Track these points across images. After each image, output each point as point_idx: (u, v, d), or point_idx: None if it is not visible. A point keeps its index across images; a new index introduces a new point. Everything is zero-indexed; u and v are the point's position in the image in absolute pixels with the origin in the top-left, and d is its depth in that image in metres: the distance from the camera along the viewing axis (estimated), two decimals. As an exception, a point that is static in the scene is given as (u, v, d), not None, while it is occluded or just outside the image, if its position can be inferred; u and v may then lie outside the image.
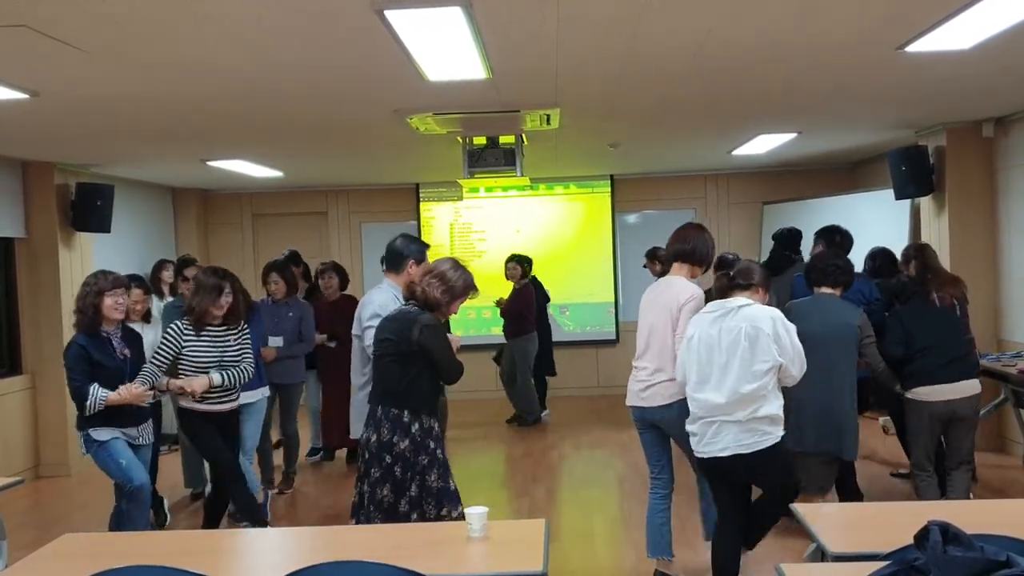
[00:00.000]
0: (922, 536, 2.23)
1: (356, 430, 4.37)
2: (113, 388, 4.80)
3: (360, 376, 4.51)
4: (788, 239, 7.04)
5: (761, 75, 5.13)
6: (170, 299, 7.65)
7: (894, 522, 3.04)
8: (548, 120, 6.28)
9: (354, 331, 4.58)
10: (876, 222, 8.30)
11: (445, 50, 4.21)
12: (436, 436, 3.99)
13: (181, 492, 6.80)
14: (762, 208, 10.43)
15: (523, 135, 6.89)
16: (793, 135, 7.74)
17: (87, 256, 8.19)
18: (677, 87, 5.39)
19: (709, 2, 3.68)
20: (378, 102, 5.54)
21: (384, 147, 7.59)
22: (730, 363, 3.97)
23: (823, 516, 3.30)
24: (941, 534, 2.19)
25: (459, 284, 4.04)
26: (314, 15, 3.62)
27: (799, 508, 3.27)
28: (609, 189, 10.82)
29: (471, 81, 4.90)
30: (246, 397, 5.68)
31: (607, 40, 4.23)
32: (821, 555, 2.94)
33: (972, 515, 3.05)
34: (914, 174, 7.46)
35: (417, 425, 3.91)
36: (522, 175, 7.22)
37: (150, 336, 5.79)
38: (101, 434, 4.91)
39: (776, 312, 4.11)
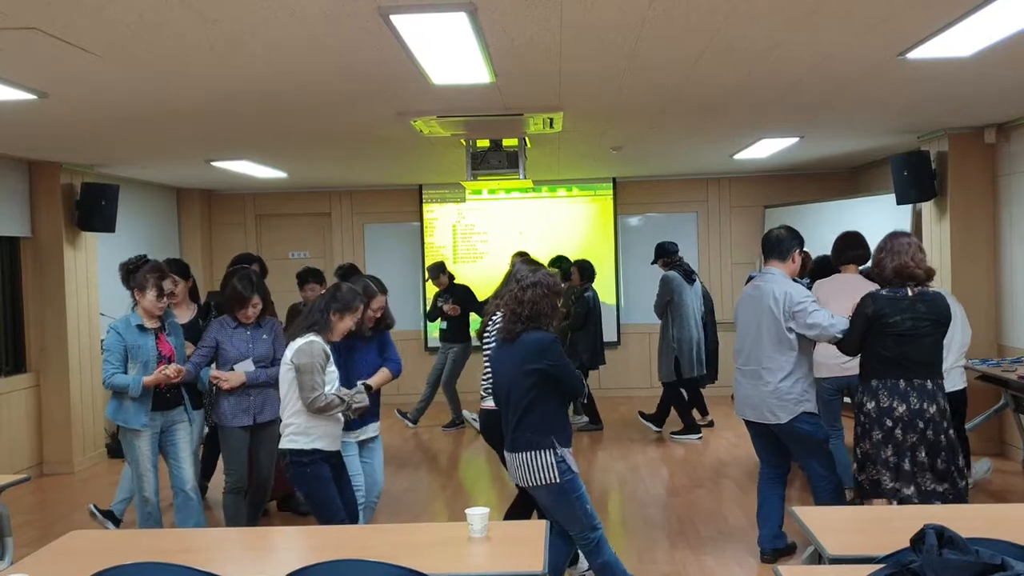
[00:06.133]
0: (918, 539, 2.25)
1: (761, 415, 4.87)
2: None
3: (788, 364, 4.79)
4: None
5: (763, 80, 5.15)
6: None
7: (891, 525, 3.07)
8: (551, 123, 6.31)
9: (768, 317, 4.81)
10: (877, 227, 8.24)
11: (449, 54, 4.24)
12: None
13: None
14: (764, 212, 10.45)
15: (526, 138, 6.91)
16: (795, 139, 7.76)
17: (92, 256, 8.23)
18: (680, 91, 5.42)
19: (712, 7, 3.71)
20: (383, 105, 5.57)
21: (388, 149, 7.62)
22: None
23: (821, 519, 3.32)
24: (937, 537, 2.21)
25: None
26: (320, 19, 3.65)
27: (797, 511, 3.29)
28: (611, 192, 10.85)
29: (475, 85, 4.93)
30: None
31: (610, 44, 4.25)
32: (818, 558, 2.97)
33: (968, 519, 3.08)
34: (916, 179, 7.48)
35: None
36: (525, 178, 7.24)
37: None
38: None
39: None
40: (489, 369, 4.63)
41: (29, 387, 7.77)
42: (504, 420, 4.18)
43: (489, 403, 4.70)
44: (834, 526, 3.21)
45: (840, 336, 4.63)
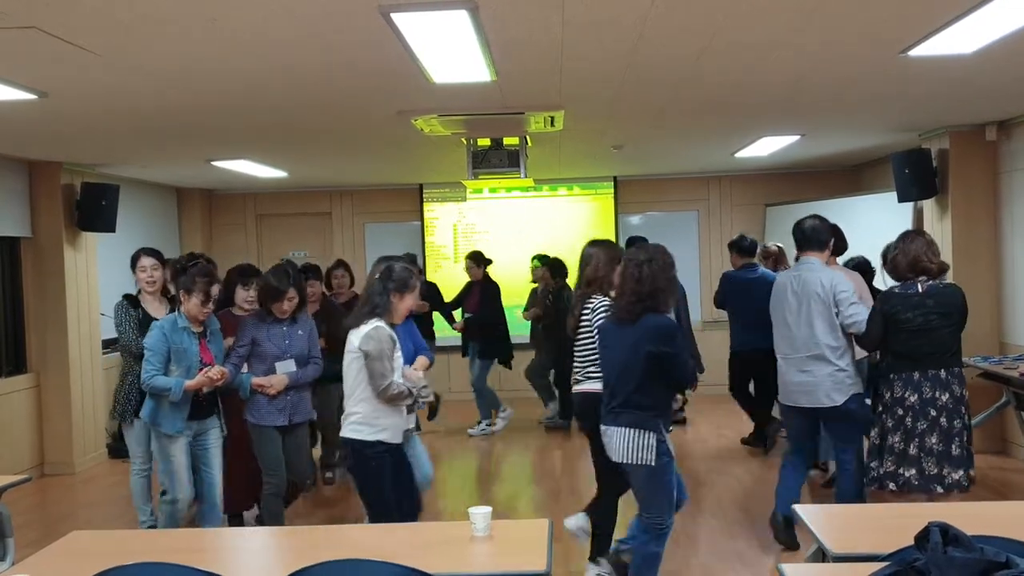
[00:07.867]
0: (922, 537, 2.24)
1: (816, 399, 4.94)
2: None
3: (842, 347, 4.95)
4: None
5: (765, 78, 5.15)
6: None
7: (895, 523, 3.05)
8: (552, 122, 6.30)
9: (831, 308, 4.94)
10: (879, 225, 8.31)
11: (450, 52, 4.23)
12: None
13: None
14: (765, 210, 10.44)
15: (527, 137, 6.91)
16: (797, 137, 7.76)
17: (92, 256, 8.22)
18: (681, 89, 5.41)
19: (714, 5, 3.70)
20: (383, 104, 5.57)
21: (388, 148, 7.61)
22: None
23: (824, 517, 3.31)
24: (941, 535, 2.21)
25: None
26: (321, 17, 3.65)
27: (800, 509, 3.29)
28: (612, 190, 10.83)
29: (476, 83, 4.92)
30: None
31: (612, 42, 4.25)
32: (822, 555, 2.96)
33: (972, 516, 3.06)
34: (917, 177, 7.47)
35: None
36: (526, 176, 7.23)
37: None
38: None
39: None
40: (587, 352, 4.64)
41: (29, 387, 7.76)
42: (609, 396, 4.22)
43: (585, 386, 4.67)
44: (838, 524, 3.21)
45: (863, 330, 4.82)
